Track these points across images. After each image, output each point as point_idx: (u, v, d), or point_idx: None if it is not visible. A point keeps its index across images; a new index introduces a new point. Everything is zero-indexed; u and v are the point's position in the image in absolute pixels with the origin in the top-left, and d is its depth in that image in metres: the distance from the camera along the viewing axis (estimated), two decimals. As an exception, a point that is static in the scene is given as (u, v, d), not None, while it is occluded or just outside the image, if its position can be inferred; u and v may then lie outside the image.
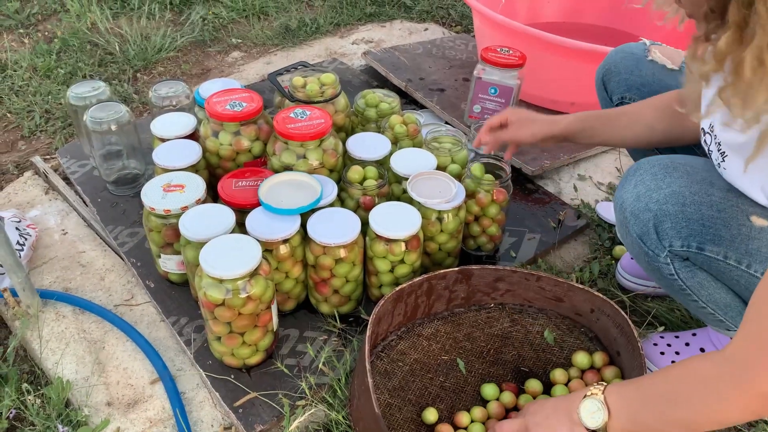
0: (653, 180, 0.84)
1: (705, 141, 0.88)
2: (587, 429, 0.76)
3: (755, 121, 0.69)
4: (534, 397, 1.01)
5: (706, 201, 0.81)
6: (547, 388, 1.03)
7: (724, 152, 0.82)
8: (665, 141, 1.05)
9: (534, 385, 1.02)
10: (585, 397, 0.77)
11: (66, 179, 1.48)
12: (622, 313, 1.01)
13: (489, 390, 1.00)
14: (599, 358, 1.05)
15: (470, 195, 1.18)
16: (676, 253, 0.83)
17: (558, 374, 1.03)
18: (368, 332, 0.94)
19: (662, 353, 1.09)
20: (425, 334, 1.10)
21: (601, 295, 1.05)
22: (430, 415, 0.97)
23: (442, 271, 1.07)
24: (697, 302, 0.90)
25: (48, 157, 1.59)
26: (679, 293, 0.90)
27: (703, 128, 0.88)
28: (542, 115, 1.16)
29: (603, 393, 0.76)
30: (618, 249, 1.31)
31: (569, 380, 1.04)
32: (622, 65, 1.14)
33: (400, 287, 1.02)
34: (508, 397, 1.00)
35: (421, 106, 1.74)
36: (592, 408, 0.76)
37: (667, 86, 1.09)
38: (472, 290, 1.12)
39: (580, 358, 1.05)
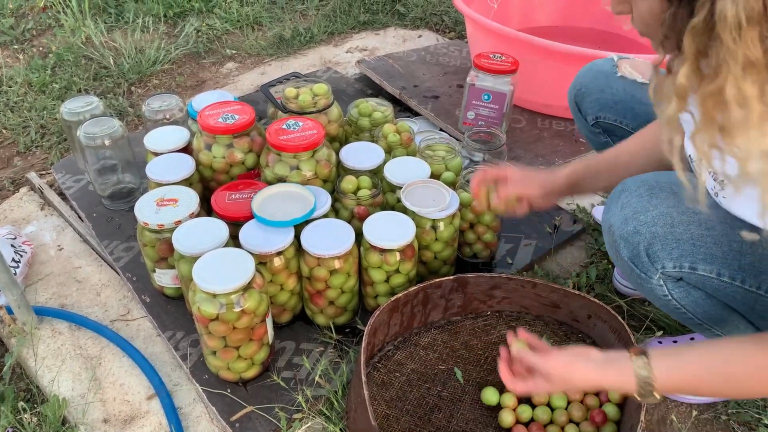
0: (639, 201, 0.83)
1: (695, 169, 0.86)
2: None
3: (745, 178, 0.60)
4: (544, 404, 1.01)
5: (694, 220, 0.80)
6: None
7: (722, 180, 0.79)
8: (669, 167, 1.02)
9: (540, 395, 1.01)
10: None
11: (61, 194, 1.48)
12: (619, 318, 1.00)
13: (490, 394, 1.00)
14: None
15: (465, 202, 1.18)
16: (668, 275, 0.82)
17: None
18: (364, 343, 0.94)
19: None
20: (422, 344, 1.09)
21: (597, 301, 1.04)
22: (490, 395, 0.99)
23: (437, 279, 1.06)
24: (693, 319, 0.89)
25: (44, 172, 1.59)
26: (675, 312, 0.89)
27: (690, 156, 0.86)
28: (539, 170, 1.07)
29: (651, 365, 0.76)
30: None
31: None
32: (593, 85, 1.13)
33: (395, 297, 1.02)
34: (527, 411, 0.99)
35: (416, 114, 1.74)
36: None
37: (640, 101, 1.08)
38: (469, 298, 1.11)
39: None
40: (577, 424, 0.99)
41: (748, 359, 0.72)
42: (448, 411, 1.00)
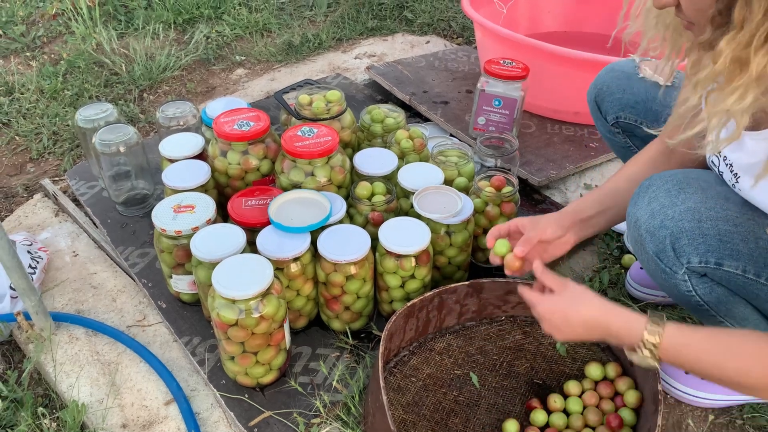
0: (667, 196, 0.84)
1: (713, 162, 0.88)
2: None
3: (744, 112, 0.67)
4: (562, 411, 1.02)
5: (722, 216, 0.80)
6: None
7: (737, 174, 0.81)
8: None
9: (558, 401, 1.01)
10: (636, 351, 0.79)
11: (75, 201, 1.49)
12: None
13: (511, 427, 0.98)
14: (612, 369, 1.04)
15: (478, 208, 1.19)
16: (693, 270, 0.83)
17: (572, 386, 1.03)
18: (381, 348, 0.95)
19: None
20: (437, 349, 1.10)
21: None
22: (512, 427, 0.97)
23: (452, 285, 1.07)
24: (715, 317, 0.89)
25: (57, 179, 1.61)
26: (697, 309, 0.90)
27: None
28: (545, 215, 1.03)
29: (659, 347, 0.77)
30: (627, 258, 1.31)
31: (583, 392, 1.04)
32: (614, 85, 1.14)
33: (411, 302, 1.03)
34: (541, 416, 0.99)
35: (426, 119, 1.75)
36: (644, 356, 0.79)
37: (660, 102, 1.08)
38: (483, 303, 1.12)
39: (593, 370, 1.05)
40: (593, 429, 0.99)
41: (762, 346, 0.73)
42: (464, 415, 1.01)
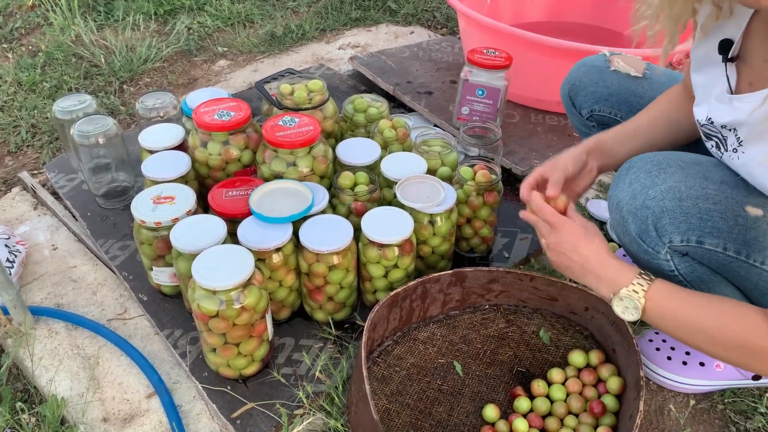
0: (648, 177, 0.84)
1: (708, 131, 0.88)
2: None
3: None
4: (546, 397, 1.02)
5: (702, 194, 0.81)
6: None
7: (740, 138, 0.81)
8: (685, 131, 1.02)
9: (540, 386, 1.02)
10: (622, 296, 0.82)
11: (55, 194, 1.47)
12: None
13: (490, 412, 0.99)
14: (595, 356, 1.05)
15: (461, 198, 1.18)
16: (675, 249, 0.84)
17: (555, 374, 1.04)
18: (364, 338, 0.94)
19: (657, 349, 1.09)
20: (421, 338, 1.10)
21: (595, 293, 1.05)
22: (491, 412, 0.98)
23: (436, 274, 1.07)
24: None
25: (36, 172, 1.58)
26: None
27: (704, 123, 0.88)
28: (561, 153, 1.03)
29: (645, 297, 0.80)
30: (610, 246, 1.31)
31: (566, 379, 1.04)
32: (587, 79, 1.14)
33: (394, 292, 1.02)
34: (525, 403, 1.00)
35: (410, 110, 1.74)
36: (627, 305, 0.81)
37: (634, 93, 1.11)
38: (467, 292, 1.12)
39: (576, 357, 1.05)
40: (577, 415, 1.00)
41: (744, 312, 0.76)
42: (448, 404, 1.01)
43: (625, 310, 0.82)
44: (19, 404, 1.00)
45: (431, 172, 1.21)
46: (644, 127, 1.03)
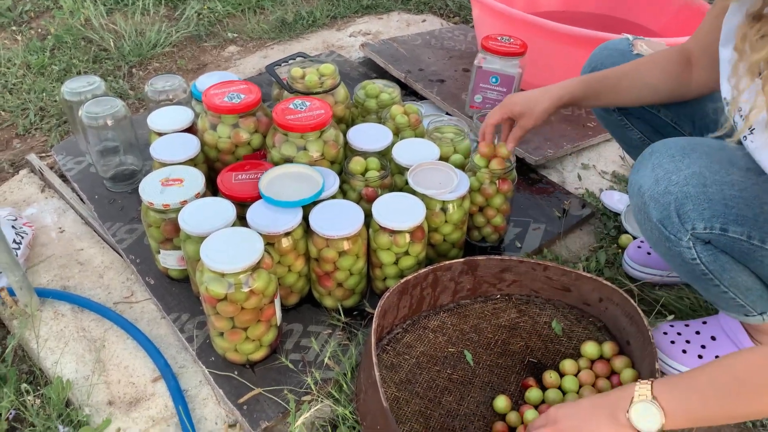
0: (671, 162, 0.82)
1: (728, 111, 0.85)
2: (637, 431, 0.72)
3: None
4: (559, 389, 1.00)
5: (727, 180, 0.78)
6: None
7: (751, 126, 0.79)
8: (669, 99, 1.03)
9: (553, 377, 1.00)
10: (633, 400, 0.72)
11: (62, 176, 1.45)
12: (632, 301, 0.99)
13: (501, 403, 0.97)
14: (609, 347, 1.03)
15: (474, 186, 1.16)
16: (698, 237, 0.81)
17: (568, 365, 1.02)
18: (374, 325, 0.92)
19: (672, 342, 1.07)
20: (431, 327, 1.08)
21: (609, 284, 1.03)
22: (501, 403, 0.96)
23: (447, 262, 1.05)
24: (719, 287, 0.88)
25: (44, 155, 1.57)
26: (700, 279, 0.88)
27: (725, 98, 0.85)
28: (538, 89, 1.08)
29: (653, 393, 0.71)
30: (624, 238, 1.29)
31: (579, 371, 1.02)
32: (609, 62, 1.11)
33: (405, 279, 1.01)
34: (536, 394, 0.98)
35: (421, 98, 1.72)
36: (645, 412, 0.71)
37: None
38: (478, 281, 1.10)
39: (590, 348, 1.03)
40: None
41: (761, 366, 0.68)
42: (458, 393, 0.99)
43: (644, 416, 0.71)
44: (24, 386, 0.99)
45: (443, 159, 1.19)
46: (625, 89, 1.03)
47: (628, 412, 0.72)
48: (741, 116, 0.80)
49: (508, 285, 1.11)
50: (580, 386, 1.00)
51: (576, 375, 1.01)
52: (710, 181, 0.79)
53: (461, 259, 1.06)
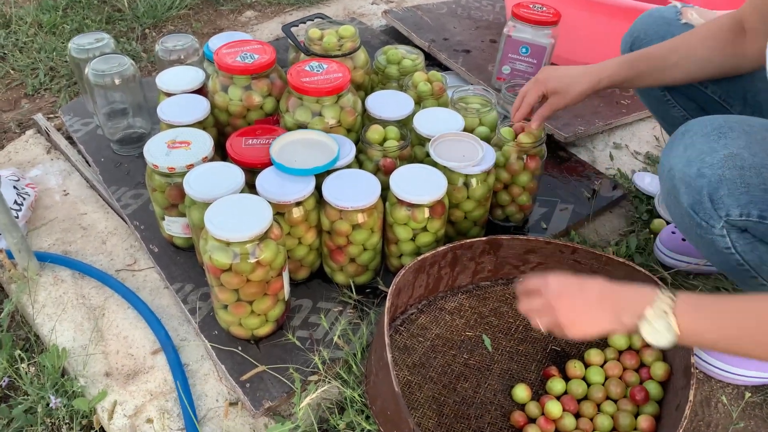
0: (706, 142, 0.74)
1: None
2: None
3: None
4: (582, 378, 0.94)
5: (767, 163, 0.71)
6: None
7: None
8: (721, 73, 0.94)
9: (577, 368, 0.93)
10: (649, 313, 0.65)
11: (69, 138, 1.40)
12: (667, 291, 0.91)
13: (520, 392, 0.91)
14: (638, 338, 0.95)
15: (500, 162, 1.09)
16: (733, 224, 0.74)
17: (593, 355, 0.95)
18: (387, 303, 0.86)
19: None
20: (448, 308, 1.01)
21: (643, 270, 0.95)
22: (521, 392, 0.90)
23: (468, 240, 0.98)
24: (756, 279, 0.80)
25: (51, 115, 1.51)
26: (735, 270, 0.80)
27: None
28: (577, 68, 1.00)
29: (674, 312, 0.64)
30: (657, 222, 1.21)
31: (605, 362, 0.95)
32: (653, 31, 1.02)
33: (422, 257, 0.94)
34: (558, 385, 0.91)
35: (445, 68, 1.63)
36: (659, 328, 0.65)
37: None
38: (500, 262, 1.03)
39: (618, 338, 0.96)
40: (615, 401, 0.91)
41: None
42: (474, 380, 0.93)
43: (656, 332, 0.66)
44: (18, 352, 0.94)
45: (468, 131, 1.11)
46: (672, 67, 0.93)
47: (639, 320, 0.66)
48: None
49: (532, 267, 1.04)
50: (606, 378, 0.93)
51: (602, 366, 0.94)
52: (749, 163, 0.71)
53: (483, 238, 0.99)
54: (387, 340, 0.80)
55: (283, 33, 1.26)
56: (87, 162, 1.32)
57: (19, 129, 1.50)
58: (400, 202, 0.96)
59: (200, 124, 1.08)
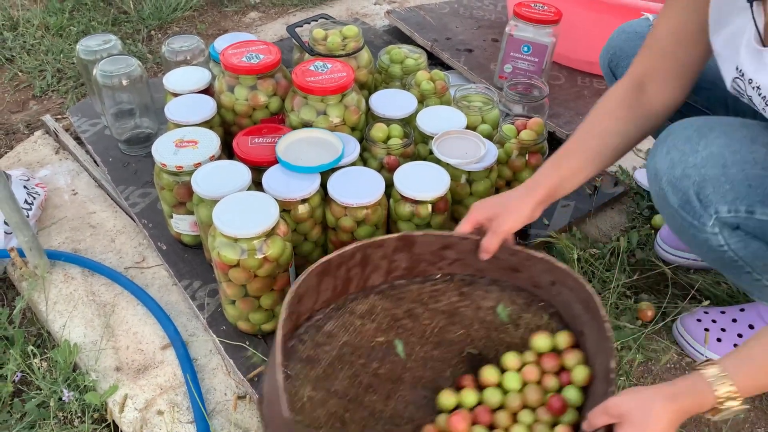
0: (687, 143, 0.76)
1: (737, 88, 0.78)
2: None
3: None
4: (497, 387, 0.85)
5: (749, 159, 0.73)
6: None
7: (766, 97, 0.72)
8: (640, 136, 0.90)
9: (493, 374, 0.85)
10: (719, 408, 0.65)
11: (77, 138, 1.42)
12: (588, 287, 0.80)
13: (445, 399, 0.84)
14: (563, 339, 0.85)
15: (502, 159, 1.10)
16: (724, 221, 0.75)
17: (510, 359, 0.86)
18: (282, 316, 0.73)
19: (706, 329, 1.01)
20: (359, 312, 0.89)
21: (563, 266, 0.84)
22: (446, 399, 0.83)
23: (379, 238, 0.85)
24: (751, 274, 0.82)
25: (59, 117, 1.54)
26: (730, 267, 0.82)
27: (734, 75, 0.77)
28: (507, 193, 0.90)
29: (738, 393, 0.65)
30: (658, 218, 1.22)
31: (523, 365, 0.86)
32: (628, 47, 1.02)
33: (326, 258, 0.81)
34: (471, 397, 0.84)
35: (448, 68, 1.65)
36: (730, 413, 0.66)
37: None
38: (416, 259, 0.90)
39: (541, 341, 0.85)
40: (533, 410, 0.82)
41: None
42: (384, 392, 0.85)
43: (731, 413, 0.66)
44: (31, 348, 0.96)
45: (470, 128, 1.13)
46: (595, 151, 0.88)
47: (719, 417, 0.66)
48: (754, 87, 0.73)
49: (449, 264, 0.92)
50: (524, 385, 0.84)
51: (519, 371, 0.85)
52: (730, 161, 0.72)
53: (395, 235, 0.87)
54: (279, 359, 0.68)
55: (288, 33, 1.27)
56: (95, 162, 1.34)
57: (27, 130, 1.52)
58: (404, 198, 0.98)
59: (207, 124, 1.10)
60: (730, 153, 0.73)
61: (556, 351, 0.86)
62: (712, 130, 0.76)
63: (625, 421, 0.66)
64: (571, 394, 0.80)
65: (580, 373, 0.81)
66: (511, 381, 0.84)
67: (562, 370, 0.84)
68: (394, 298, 0.91)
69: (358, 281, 0.89)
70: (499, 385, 0.85)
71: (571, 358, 0.83)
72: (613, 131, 0.88)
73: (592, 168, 0.88)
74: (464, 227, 0.87)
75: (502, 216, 0.85)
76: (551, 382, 0.83)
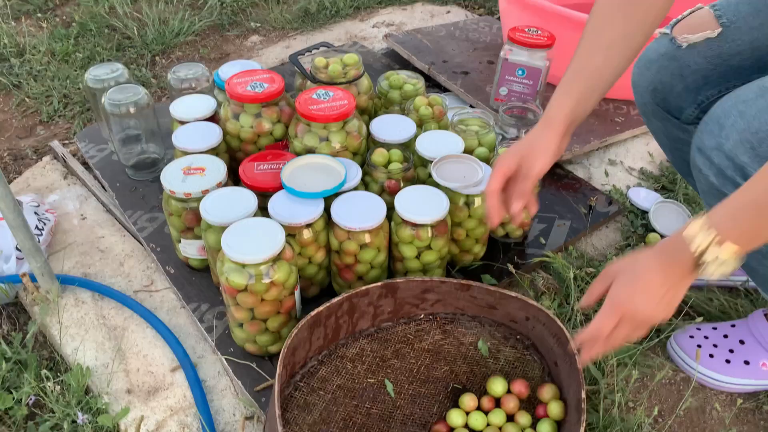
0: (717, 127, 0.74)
1: None
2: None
3: None
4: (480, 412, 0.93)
5: None
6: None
7: None
8: (644, 37, 0.85)
9: (468, 400, 0.93)
10: (705, 266, 0.65)
11: (85, 164, 1.46)
12: (558, 322, 0.90)
13: (457, 418, 0.90)
14: (518, 385, 0.94)
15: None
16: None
17: (486, 400, 0.94)
18: (279, 369, 0.81)
19: (699, 346, 1.04)
20: (349, 356, 0.99)
21: (535, 303, 0.94)
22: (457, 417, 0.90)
23: (363, 287, 0.95)
24: None
25: (67, 142, 1.57)
26: None
27: None
28: (532, 132, 0.90)
29: (722, 241, 0.63)
30: (652, 236, 1.26)
31: (498, 400, 0.94)
32: (666, 75, 0.94)
33: (316, 311, 0.90)
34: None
35: (444, 90, 1.70)
36: (721, 262, 0.64)
37: (729, 53, 0.89)
38: (400, 303, 1.01)
39: (495, 385, 0.94)
40: None
41: None
42: (376, 430, 0.91)
43: (722, 265, 0.64)
44: (44, 372, 0.99)
45: (468, 152, 1.17)
46: (603, 67, 0.85)
47: (702, 271, 0.66)
48: None
49: (431, 304, 1.03)
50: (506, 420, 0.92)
51: (497, 407, 0.93)
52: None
53: (378, 284, 0.96)
54: (278, 411, 0.75)
55: (291, 62, 1.31)
56: (103, 187, 1.37)
57: (35, 155, 1.55)
58: (405, 222, 1.01)
59: (213, 151, 1.14)
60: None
61: (512, 393, 0.94)
62: (728, 116, 0.73)
63: (617, 277, 0.71)
64: (545, 428, 0.89)
65: (555, 408, 0.90)
66: (480, 420, 0.91)
67: (538, 403, 0.93)
68: (381, 340, 1.01)
69: (347, 328, 0.99)
70: (466, 426, 0.91)
71: (547, 392, 0.92)
72: (616, 40, 0.84)
73: (604, 85, 0.85)
74: (494, 181, 0.86)
75: (530, 159, 0.84)
76: (524, 419, 0.91)
